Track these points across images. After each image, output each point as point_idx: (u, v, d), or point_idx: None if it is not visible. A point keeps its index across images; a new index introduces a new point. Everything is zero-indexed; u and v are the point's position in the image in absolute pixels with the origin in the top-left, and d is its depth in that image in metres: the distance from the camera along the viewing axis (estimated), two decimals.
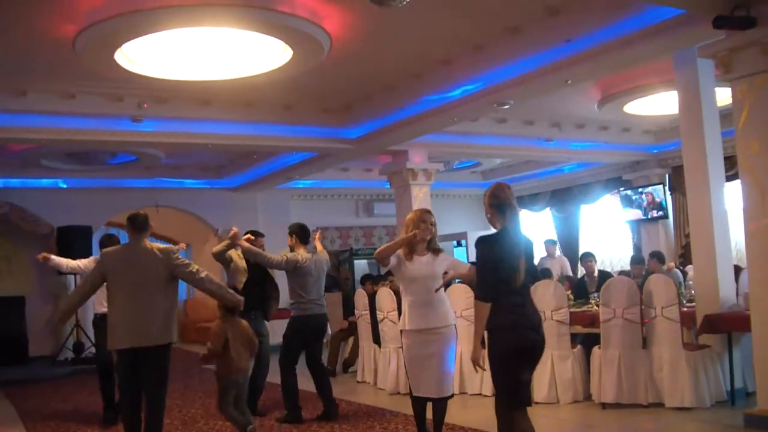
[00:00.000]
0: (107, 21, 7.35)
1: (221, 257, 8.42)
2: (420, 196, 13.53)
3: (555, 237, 18.07)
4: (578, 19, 7.87)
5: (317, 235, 8.76)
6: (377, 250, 6.27)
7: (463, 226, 19.44)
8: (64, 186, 15.40)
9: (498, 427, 5.12)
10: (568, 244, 18.18)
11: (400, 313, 10.16)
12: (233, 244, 8.10)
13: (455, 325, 6.41)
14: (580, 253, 13.62)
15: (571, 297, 10.18)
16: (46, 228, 15.46)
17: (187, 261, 6.50)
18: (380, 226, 19.64)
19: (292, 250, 8.53)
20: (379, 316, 10.47)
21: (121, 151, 13.17)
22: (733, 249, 9.75)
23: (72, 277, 14.09)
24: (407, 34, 8.51)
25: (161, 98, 10.27)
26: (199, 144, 11.70)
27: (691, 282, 9.71)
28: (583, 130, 13.77)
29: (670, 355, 7.81)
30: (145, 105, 10.24)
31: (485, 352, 5.20)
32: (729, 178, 9.11)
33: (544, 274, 10.15)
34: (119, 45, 7.94)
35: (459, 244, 18.85)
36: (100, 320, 8.49)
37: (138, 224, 6.41)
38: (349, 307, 12.45)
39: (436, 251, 6.29)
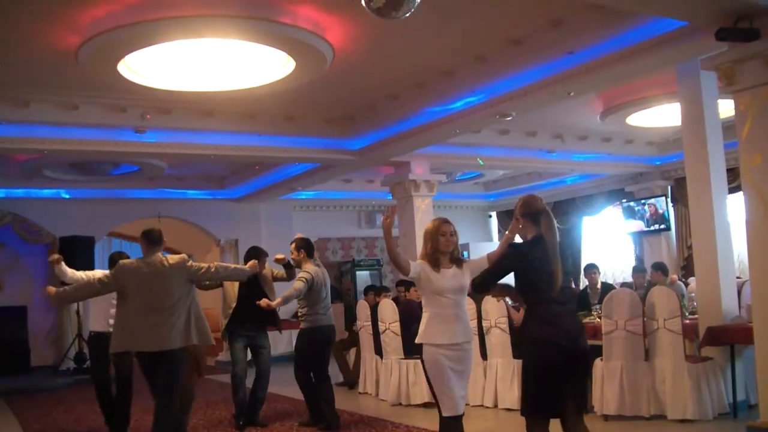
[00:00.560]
0: (110, 32, 7.36)
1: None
2: (422, 208, 13.53)
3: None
4: (581, 31, 7.87)
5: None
6: (390, 258, 5.88)
7: (466, 238, 19.43)
8: (67, 196, 15.40)
9: None
10: (571, 256, 18.12)
11: (405, 324, 10.24)
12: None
13: None
14: (583, 264, 13.60)
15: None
16: (48, 238, 15.48)
17: (197, 264, 6.99)
18: (382, 237, 19.57)
19: (298, 264, 8.60)
20: (381, 327, 10.47)
21: (123, 162, 13.18)
22: (736, 261, 9.72)
23: None
24: (410, 46, 8.52)
25: (164, 109, 10.28)
26: (201, 155, 11.71)
27: (693, 294, 9.69)
28: (585, 142, 13.77)
29: (673, 367, 7.79)
30: (148, 116, 10.25)
31: None
32: (732, 190, 9.10)
33: None
34: (122, 56, 7.96)
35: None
36: (96, 338, 8.47)
37: (154, 239, 6.89)
38: (351, 318, 12.45)
39: (460, 262, 5.89)
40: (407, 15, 6.44)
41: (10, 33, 7.57)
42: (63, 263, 8.10)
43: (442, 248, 5.75)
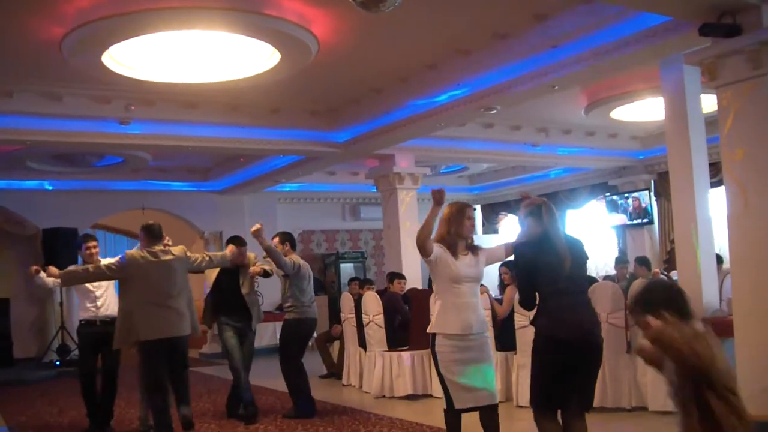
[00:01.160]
0: (94, 23, 7.33)
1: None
2: (407, 201, 13.56)
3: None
4: (565, 25, 7.91)
5: None
6: (418, 234, 5.48)
7: None
8: (50, 188, 15.33)
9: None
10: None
11: (389, 317, 10.27)
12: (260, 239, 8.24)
13: None
14: None
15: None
16: (31, 230, 15.41)
17: (194, 255, 7.53)
18: (366, 229, 19.66)
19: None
20: (365, 319, 10.49)
21: (107, 153, 13.13)
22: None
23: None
24: (395, 39, 8.53)
25: (148, 101, 10.26)
26: (186, 146, 11.69)
27: None
28: (569, 136, 13.81)
29: None
30: (132, 107, 10.23)
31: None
32: (714, 185, 9.17)
33: None
34: (106, 47, 7.93)
35: None
36: (86, 326, 8.40)
37: (155, 233, 7.33)
38: (335, 311, 12.47)
39: (475, 249, 5.62)
40: (392, 9, 6.46)
41: None
42: (43, 274, 8.10)
43: (465, 233, 5.55)
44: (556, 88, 9.18)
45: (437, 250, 5.44)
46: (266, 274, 8.76)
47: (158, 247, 7.29)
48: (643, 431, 7.38)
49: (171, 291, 7.22)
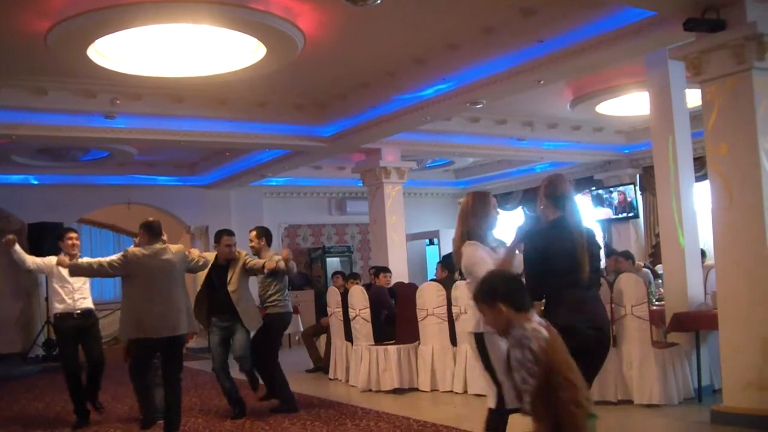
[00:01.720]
0: (80, 16, 7.29)
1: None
2: (393, 195, 13.57)
3: None
4: (551, 20, 7.93)
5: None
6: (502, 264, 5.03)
7: (436, 225, 19.53)
8: (35, 182, 15.27)
9: None
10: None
11: (376, 311, 10.29)
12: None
13: None
14: None
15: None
16: (16, 224, 15.32)
17: (193, 255, 7.65)
18: (353, 223, 19.65)
19: (257, 252, 8.77)
20: (351, 313, 10.51)
21: (93, 148, 13.10)
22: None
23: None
24: (381, 33, 8.54)
25: (134, 95, 10.22)
26: (172, 141, 11.67)
27: (660, 281, 9.82)
28: (555, 130, 13.85)
29: (640, 352, 7.90)
30: (118, 101, 10.19)
31: None
32: (698, 179, 9.23)
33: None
34: (92, 41, 7.90)
35: (431, 243, 18.93)
36: (61, 319, 8.47)
37: (155, 231, 7.37)
38: (321, 305, 12.49)
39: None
40: (378, 3, 6.47)
41: None
42: (17, 246, 8.18)
43: (494, 226, 5.36)
44: (542, 82, 9.22)
45: (480, 252, 5.16)
46: (277, 272, 8.60)
47: (159, 246, 7.32)
48: (630, 424, 7.42)
49: (171, 289, 7.24)
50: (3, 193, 14.98)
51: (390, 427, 7.63)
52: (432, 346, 9.71)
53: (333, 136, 12.22)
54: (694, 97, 8.95)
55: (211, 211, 16.70)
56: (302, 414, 8.49)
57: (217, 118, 11.24)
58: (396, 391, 9.62)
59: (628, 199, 15.93)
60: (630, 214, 15.93)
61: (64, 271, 8.37)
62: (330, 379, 11.18)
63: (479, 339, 5.13)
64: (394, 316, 10.44)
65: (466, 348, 9.31)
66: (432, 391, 9.58)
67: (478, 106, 10.22)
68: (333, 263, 18.14)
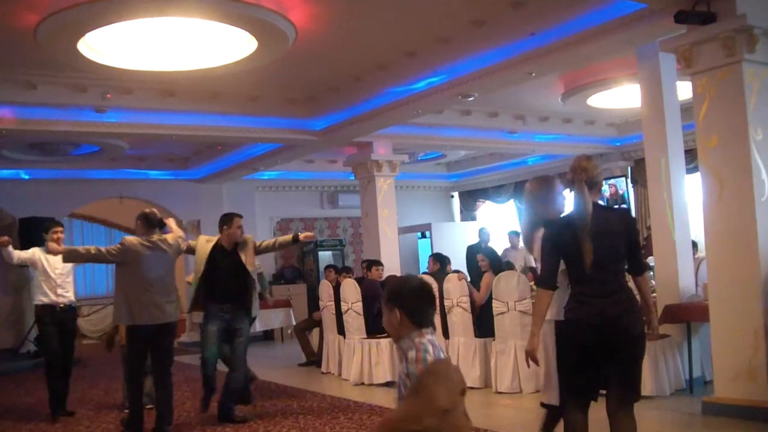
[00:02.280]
0: (70, 10, 7.24)
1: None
2: (384, 188, 13.58)
3: (519, 229, 18.22)
4: (542, 12, 7.94)
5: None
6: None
7: (428, 218, 19.54)
8: (26, 177, 15.22)
9: None
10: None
11: (368, 304, 10.29)
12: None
13: None
14: None
15: (535, 288, 10.27)
16: (7, 219, 15.27)
17: (183, 245, 7.81)
18: (345, 217, 19.63)
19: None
20: (344, 307, 10.52)
21: (84, 142, 13.05)
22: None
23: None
24: (373, 27, 8.53)
25: (125, 89, 10.18)
26: (163, 135, 11.66)
27: (652, 273, 9.84)
28: (547, 123, 13.87)
29: None
30: (109, 95, 10.15)
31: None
32: (689, 171, 9.25)
33: (507, 266, 10.23)
34: (82, 34, 7.85)
35: (423, 236, 18.93)
36: (42, 310, 8.58)
37: (152, 222, 7.54)
38: (314, 299, 12.48)
39: None
40: None
41: None
42: (11, 247, 8.27)
43: (563, 210, 5.24)
44: (533, 75, 9.22)
45: None
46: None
47: (156, 237, 7.50)
48: None
49: (164, 278, 7.46)
50: None
51: None
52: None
53: (325, 130, 12.21)
54: (685, 90, 8.97)
55: (203, 205, 16.66)
56: (295, 408, 8.50)
57: (209, 112, 11.21)
58: (389, 385, 9.63)
59: (620, 192, 15.97)
60: (621, 207, 15.95)
61: (49, 265, 8.44)
62: (323, 372, 11.19)
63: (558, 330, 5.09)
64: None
65: (459, 341, 9.34)
66: None
67: (470, 99, 10.21)
68: (325, 257, 18.13)
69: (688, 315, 8.04)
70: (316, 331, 12.28)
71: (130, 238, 7.47)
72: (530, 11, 7.96)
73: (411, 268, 16.74)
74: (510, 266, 10.40)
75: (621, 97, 11.73)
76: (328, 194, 19.38)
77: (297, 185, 18.79)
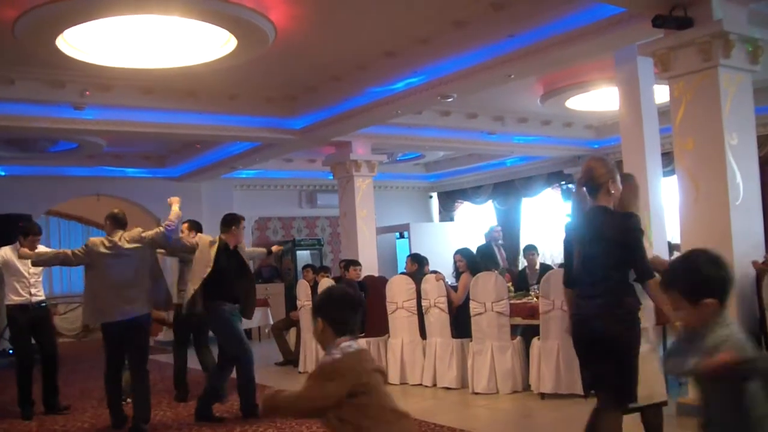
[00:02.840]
0: (48, 6, 7.19)
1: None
2: (363, 188, 13.59)
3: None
4: (522, 14, 7.97)
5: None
6: None
7: (406, 218, 19.57)
8: (2, 173, 15.11)
9: None
10: (510, 236, 18.38)
11: None
12: None
13: None
14: (521, 244, 13.75)
15: (512, 289, 10.33)
16: None
17: (148, 234, 7.69)
18: (323, 216, 19.63)
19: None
20: None
21: (61, 139, 12.98)
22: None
23: None
24: (353, 27, 8.53)
25: (104, 86, 10.12)
26: (142, 133, 11.59)
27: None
28: (525, 125, 13.91)
29: None
30: (87, 92, 10.09)
31: None
32: (666, 174, 9.33)
33: (487, 266, 10.26)
34: (61, 31, 7.81)
35: (402, 236, 18.96)
36: (15, 310, 8.61)
37: (119, 221, 7.70)
38: (291, 298, 12.47)
39: None
40: None
41: None
42: None
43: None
44: (513, 77, 9.26)
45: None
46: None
47: (117, 235, 7.53)
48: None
49: (126, 274, 7.46)
50: None
51: None
52: (401, 340, 9.75)
53: (304, 129, 12.21)
54: (662, 93, 9.04)
55: (182, 203, 16.54)
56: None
57: (188, 110, 11.17)
58: None
59: None
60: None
61: (23, 265, 8.41)
62: (300, 372, 11.18)
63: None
64: (365, 310, 10.44)
65: (436, 341, 9.36)
66: (401, 384, 9.61)
67: (449, 99, 10.24)
68: (303, 256, 18.10)
69: (664, 316, 8.07)
70: (293, 331, 12.26)
71: (93, 239, 7.63)
72: (510, 13, 7.98)
73: (389, 269, 16.77)
74: (492, 255, 10.40)
75: (599, 99, 11.80)
76: (306, 194, 19.37)
77: (276, 184, 18.77)
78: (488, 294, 8.75)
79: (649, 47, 7.23)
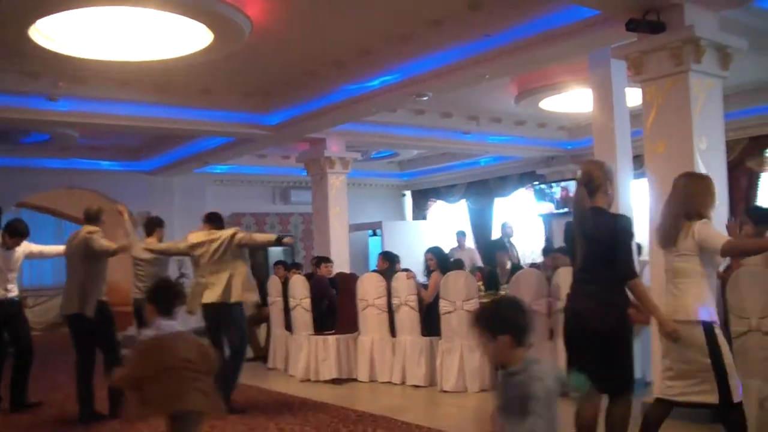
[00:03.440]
0: None
1: None
2: (336, 185, 13.59)
3: (470, 228, 18.41)
4: (498, 15, 7.99)
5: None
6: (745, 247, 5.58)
7: (379, 216, 19.58)
8: None
9: None
10: (482, 236, 18.45)
11: (316, 301, 10.31)
12: None
13: None
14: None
15: (482, 288, 10.38)
16: None
17: (98, 239, 7.84)
18: (297, 213, 19.59)
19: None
20: (292, 302, 10.53)
21: (34, 130, 12.88)
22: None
23: None
24: (329, 23, 8.52)
25: (78, 77, 10.05)
26: (115, 125, 11.52)
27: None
28: (499, 125, 13.98)
29: None
30: (61, 84, 10.03)
31: None
32: (637, 176, 9.40)
33: (456, 264, 10.31)
34: (34, 21, 7.74)
35: (374, 234, 18.98)
36: (10, 305, 8.64)
37: (89, 216, 8.09)
38: (262, 294, 12.45)
39: None
40: None
41: None
42: None
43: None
44: (488, 77, 9.31)
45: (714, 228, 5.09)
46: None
47: (83, 231, 7.93)
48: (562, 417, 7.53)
49: (70, 272, 7.99)
50: None
51: (328, 417, 7.68)
52: (371, 337, 9.77)
53: (278, 125, 12.19)
54: (635, 96, 9.11)
55: (154, 197, 16.51)
56: (241, 404, 8.44)
57: (162, 104, 11.12)
58: (335, 381, 9.67)
59: (570, 195, 16.13)
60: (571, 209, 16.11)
61: (4, 261, 8.42)
62: (269, 368, 11.18)
63: (709, 330, 4.97)
64: (335, 307, 10.47)
65: (405, 339, 9.39)
66: (370, 381, 9.64)
67: (424, 98, 10.27)
68: (275, 252, 18.08)
69: (631, 317, 8.14)
70: (263, 327, 12.25)
71: (73, 234, 8.17)
72: (486, 13, 7.99)
73: (361, 266, 16.79)
74: (459, 265, 10.47)
75: (572, 101, 11.87)
76: (280, 190, 19.34)
77: (249, 180, 18.73)
78: (458, 293, 8.79)
79: (622, 50, 7.30)
